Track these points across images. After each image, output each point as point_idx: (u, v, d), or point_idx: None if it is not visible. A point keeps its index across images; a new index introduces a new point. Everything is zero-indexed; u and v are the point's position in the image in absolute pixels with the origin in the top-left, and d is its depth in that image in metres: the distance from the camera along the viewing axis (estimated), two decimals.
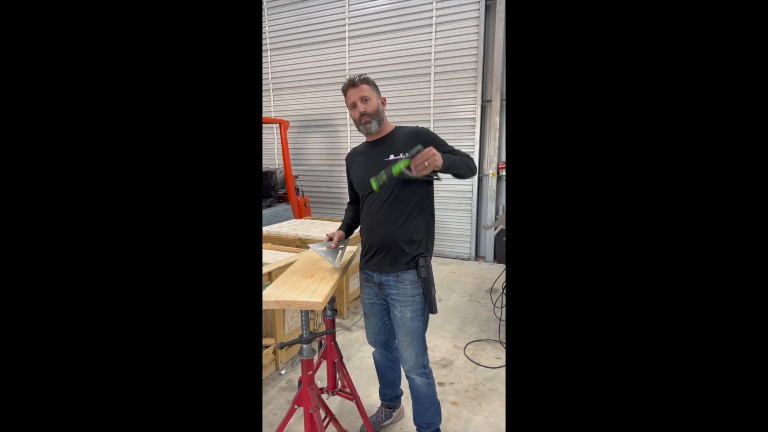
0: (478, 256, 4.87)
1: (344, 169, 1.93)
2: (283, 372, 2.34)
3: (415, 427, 1.72)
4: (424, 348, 1.60)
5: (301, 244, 3.19)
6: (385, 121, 1.58)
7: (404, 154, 1.48)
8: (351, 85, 1.51)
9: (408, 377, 1.64)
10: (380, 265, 1.56)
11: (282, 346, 1.41)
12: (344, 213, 1.82)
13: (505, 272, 2.96)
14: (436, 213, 1.68)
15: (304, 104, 5.66)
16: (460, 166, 1.44)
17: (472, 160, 1.51)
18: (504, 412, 1.97)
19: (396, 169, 1.36)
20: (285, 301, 1.31)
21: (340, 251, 1.66)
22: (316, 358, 1.53)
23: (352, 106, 1.53)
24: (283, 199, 5.04)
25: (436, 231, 1.68)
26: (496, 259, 4.65)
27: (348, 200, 1.85)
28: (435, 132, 1.57)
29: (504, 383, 2.22)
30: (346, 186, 1.80)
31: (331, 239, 1.63)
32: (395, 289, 1.55)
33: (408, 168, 1.33)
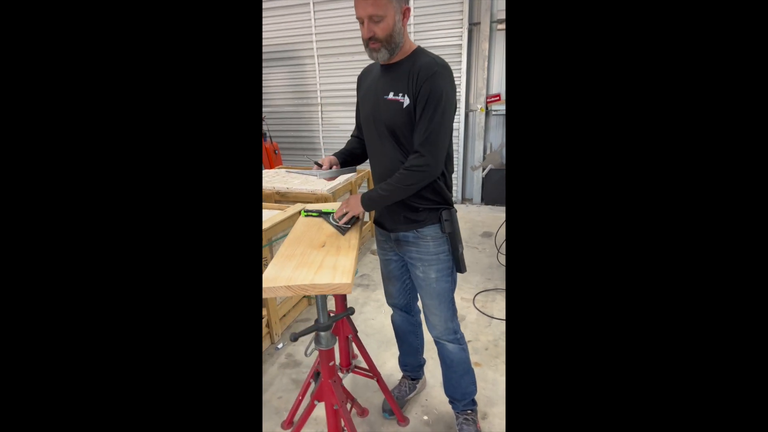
0: (464, 199, 4.66)
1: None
2: (280, 345, 2.06)
3: (442, 397, 1.53)
4: (454, 312, 1.36)
5: (282, 198, 2.77)
6: (405, 41, 1.15)
7: (402, 96, 1.12)
8: None
9: (437, 343, 1.42)
10: (394, 223, 1.28)
11: (295, 337, 1.09)
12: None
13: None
14: None
15: (263, 32, 4.85)
16: (397, 194, 1.17)
17: (422, 169, 1.13)
18: None
19: (326, 212, 1.43)
20: (300, 285, 0.97)
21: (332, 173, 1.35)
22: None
23: (360, 21, 1.11)
24: None
25: None
26: (484, 201, 4.46)
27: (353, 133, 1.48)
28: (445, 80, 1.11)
29: None
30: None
31: (320, 165, 1.26)
32: (415, 247, 1.28)
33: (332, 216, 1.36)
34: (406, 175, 1.14)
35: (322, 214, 1.42)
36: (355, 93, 1.38)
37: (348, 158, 1.40)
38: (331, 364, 1.19)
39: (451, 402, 1.50)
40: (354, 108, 1.42)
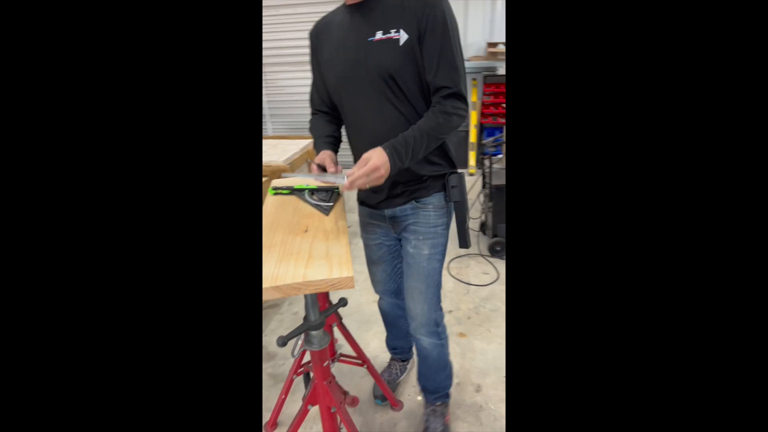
0: None
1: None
2: None
3: None
4: (438, 300, 1.21)
5: None
6: None
7: (397, 31, 0.92)
8: None
9: (414, 337, 1.27)
10: (390, 197, 1.10)
11: (284, 342, 0.92)
12: (310, 128, 1.19)
13: (481, 180, 2.68)
14: None
15: None
16: (431, 146, 0.96)
17: (458, 106, 0.95)
18: None
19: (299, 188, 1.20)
20: (291, 284, 0.79)
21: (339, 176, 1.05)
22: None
23: None
24: None
25: None
26: None
27: (312, 108, 1.21)
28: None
29: (503, 301, 2.07)
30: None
31: (323, 168, 1.04)
32: (413, 218, 1.11)
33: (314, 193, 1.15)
34: (446, 120, 0.94)
35: (294, 191, 1.21)
36: (306, 50, 1.11)
37: (336, 146, 1.14)
38: (325, 364, 1.04)
39: (423, 390, 1.40)
40: (306, 69, 1.15)
